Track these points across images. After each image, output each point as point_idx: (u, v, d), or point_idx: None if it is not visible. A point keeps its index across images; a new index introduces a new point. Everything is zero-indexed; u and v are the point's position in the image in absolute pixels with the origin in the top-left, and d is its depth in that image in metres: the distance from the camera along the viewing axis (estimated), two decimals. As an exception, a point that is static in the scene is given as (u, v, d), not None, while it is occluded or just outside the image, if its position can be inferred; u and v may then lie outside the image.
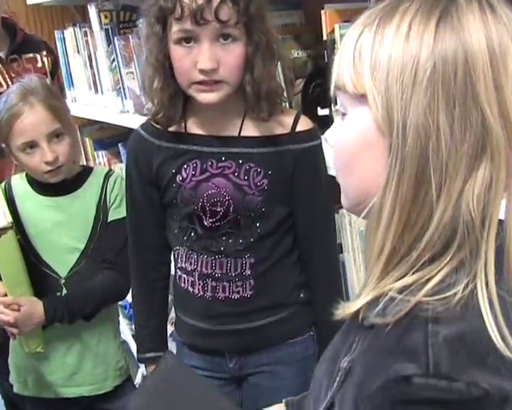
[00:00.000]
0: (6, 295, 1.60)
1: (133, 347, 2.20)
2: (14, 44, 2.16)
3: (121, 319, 2.18)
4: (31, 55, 2.22)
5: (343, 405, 0.72)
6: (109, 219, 1.72)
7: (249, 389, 1.48)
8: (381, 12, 0.70)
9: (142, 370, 2.31)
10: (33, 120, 1.60)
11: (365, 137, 0.70)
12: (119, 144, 2.53)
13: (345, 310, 0.73)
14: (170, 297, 1.57)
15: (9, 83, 2.09)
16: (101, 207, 1.72)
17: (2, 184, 1.75)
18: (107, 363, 1.77)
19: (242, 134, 1.36)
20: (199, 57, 1.26)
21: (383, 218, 0.68)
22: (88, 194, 1.72)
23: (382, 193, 0.68)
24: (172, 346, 1.77)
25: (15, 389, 1.78)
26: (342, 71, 0.72)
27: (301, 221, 1.40)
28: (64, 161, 1.64)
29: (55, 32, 2.54)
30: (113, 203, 1.72)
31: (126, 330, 2.65)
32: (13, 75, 2.12)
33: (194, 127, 1.39)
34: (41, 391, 1.74)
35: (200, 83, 1.28)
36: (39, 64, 2.21)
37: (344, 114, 0.74)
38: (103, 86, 2.33)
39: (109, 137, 2.68)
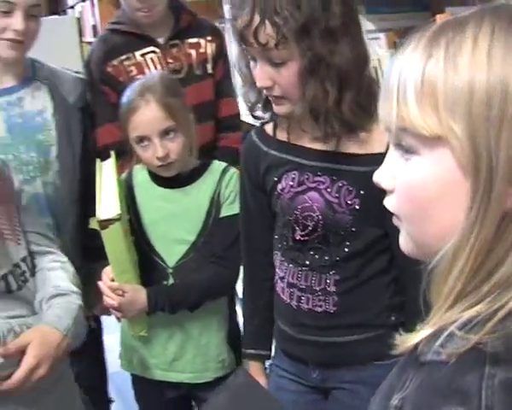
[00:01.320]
0: (113, 281, 1.70)
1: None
2: (176, 29, 2.11)
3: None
4: (195, 39, 2.12)
5: None
6: (221, 214, 1.76)
7: (332, 403, 1.47)
8: (441, 36, 0.63)
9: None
10: (147, 116, 1.67)
11: (446, 181, 0.64)
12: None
13: (404, 343, 0.69)
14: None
15: (164, 69, 2.06)
16: (215, 202, 1.76)
17: (125, 173, 1.85)
18: (208, 355, 1.81)
19: (340, 149, 1.34)
20: (256, 75, 1.29)
21: (458, 262, 0.63)
22: (203, 188, 1.77)
23: (460, 237, 0.63)
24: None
25: (121, 366, 1.89)
26: (407, 109, 0.65)
27: (396, 244, 1.36)
28: (175, 158, 1.70)
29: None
30: (226, 199, 1.76)
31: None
32: (169, 61, 2.08)
33: (296, 138, 1.40)
34: (144, 371, 1.83)
35: (268, 95, 1.31)
36: (202, 49, 2.12)
37: (408, 152, 0.67)
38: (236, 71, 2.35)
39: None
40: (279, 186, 1.41)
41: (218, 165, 1.83)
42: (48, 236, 1.59)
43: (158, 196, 1.78)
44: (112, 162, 1.79)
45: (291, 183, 1.39)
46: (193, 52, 2.11)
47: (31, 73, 1.95)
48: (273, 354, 1.61)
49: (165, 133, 1.69)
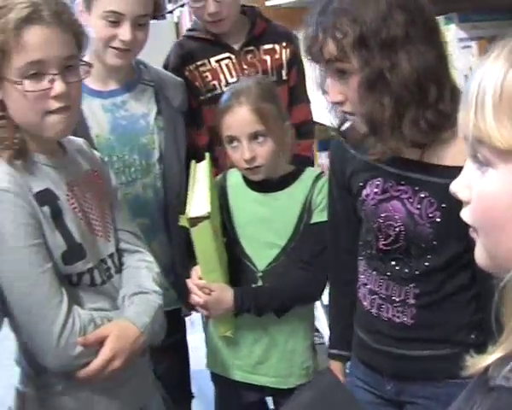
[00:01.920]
0: (201, 279, 1.72)
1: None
2: (251, 35, 2.13)
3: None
4: (270, 45, 2.15)
5: None
6: (312, 220, 1.75)
7: None
8: None
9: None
10: (238, 118, 1.70)
11: None
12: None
13: (474, 365, 0.68)
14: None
15: (239, 74, 2.09)
16: (307, 208, 1.76)
17: (220, 175, 1.87)
18: (293, 360, 1.80)
19: (424, 159, 1.32)
20: (328, 91, 1.32)
21: None
22: (295, 193, 1.77)
23: None
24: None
25: (206, 365, 1.91)
26: (484, 120, 0.64)
27: None
28: (262, 162, 1.72)
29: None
30: (318, 206, 1.75)
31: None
32: (245, 67, 2.10)
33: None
34: (227, 372, 1.84)
35: (343, 112, 1.33)
36: (277, 55, 2.14)
37: (483, 164, 0.67)
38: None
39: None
40: (364, 192, 1.41)
41: (311, 171, 1.83)
42: (138, 235, 1.63)
43: (251, 200, 1.80)
44: (206, 163, 1.82)
45: (375, 189, 1.38)
46: (268, 58, 2.13)
47: (136, 76, 1.97)
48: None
49: (254, 137, 1.71)
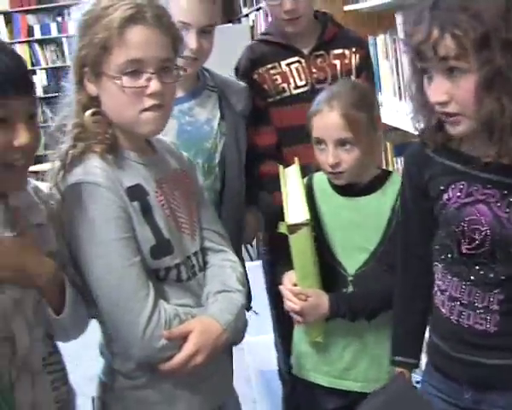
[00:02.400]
0: (296, 285, 1.72)
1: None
2: (321, 40, 2.16)
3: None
4: (340, 50, 2.16)
5: None
6: None
7: None
8: None
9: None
10: (327, 122, 1.70)
11: None
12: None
13: None
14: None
15: (308, 78, 2.12)
16: (396, 212, 1.73)
17: (305, 179, 1.86)
18: (381, 365, 1.78)
19: None
20: (431, 90, 1.29)
21: None
22: (384, 198, 1.76)
23: None
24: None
25: (293, 370, 1.91)
26: None
27: None
28: (346, 169, 1.71)
29: (369, 37, 2.62)
30: None
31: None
32: (313, 70, 2.13)
33: (465, 145, 1.38)
34: (316, 377, 1.84)
35: (442, 114, 1.30)
36: (346, 60, 2.16)
37: None
38: (407, 94, 2.35)
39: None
40: (445, 196, 1.40)
41: (398, 176, 1.80)
42: (223, 235, 1.64)
43: (338, 205, 1.79)
44: (296, 168, 1.82)
45: (458, 193, 1.37)
46: (338, 62, 2.15)
47: (201, 83, 2.02)
48: (423, 369, 1.59)
49: (340, 143, 1.70)
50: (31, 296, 1.28)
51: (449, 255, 1.42)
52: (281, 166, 1.85)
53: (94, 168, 1.38)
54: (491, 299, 1.37)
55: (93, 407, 1.53)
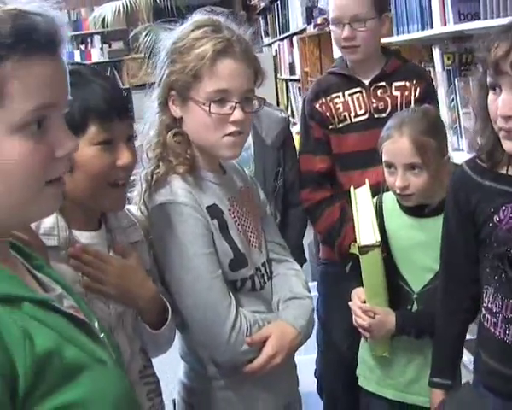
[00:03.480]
0: (364, 302, 1.82)
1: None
2: (382, 72, 2.22)
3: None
4: (402, 83, 2.22)
5: None
6: None
7: None
8: None
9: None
10: (397, 147, 1.79)
11: None
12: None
13: None
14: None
15: (368, 108, 2.19)
16: None
17: (375, 198, 1.95)
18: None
19: None
20: (498, 104, 1.33)
21: None
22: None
23: None
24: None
25: (360, 383, 1.99)
26: None
27: None
28: (414, 192, 1.79)
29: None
30: None
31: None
32: (373, 100, 2.20)
33: None
34: (381, 390, 1.91)
35: (503, 129, 1.34)
36: (407, 92, 2.22)
37: None
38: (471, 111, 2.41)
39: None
40: (496, 217, 1.44)
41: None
42: (284, 246, 1.77)
43: (406, 225, 1.86)
44: (366, 189, 1.91)
45: (510, 214, 1.42)
46: (398, 94, 2.21)
47: None
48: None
49: (410, 167, 1.78)
50: (130, 310, 1.40)
51: (502, 276, 1.46)
52: (352, 187, 1.94)
53: (179, 190, 1.51)
54: None
55: (174, 408, 1.67)
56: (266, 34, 6.80)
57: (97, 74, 1.34)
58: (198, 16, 1.57)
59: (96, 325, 0.99)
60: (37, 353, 0.78)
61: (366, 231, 1.75)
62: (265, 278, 1.65)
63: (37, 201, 0.88)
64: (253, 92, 1.58)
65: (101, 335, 0.98)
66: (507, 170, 1.46)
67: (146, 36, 7.11)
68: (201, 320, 1.50)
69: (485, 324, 1.53)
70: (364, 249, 1.72)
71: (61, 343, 0.82)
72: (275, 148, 2.24)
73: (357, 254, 1.74)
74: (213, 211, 1.55)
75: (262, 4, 6.88)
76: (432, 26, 2.50)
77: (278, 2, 6.38)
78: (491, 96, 1.38)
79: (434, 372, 1.69)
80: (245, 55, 1.53)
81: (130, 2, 7.50)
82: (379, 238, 1.72)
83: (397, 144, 1.79)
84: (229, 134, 1.52)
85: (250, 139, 2.15)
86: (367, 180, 1.96)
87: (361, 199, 1.89)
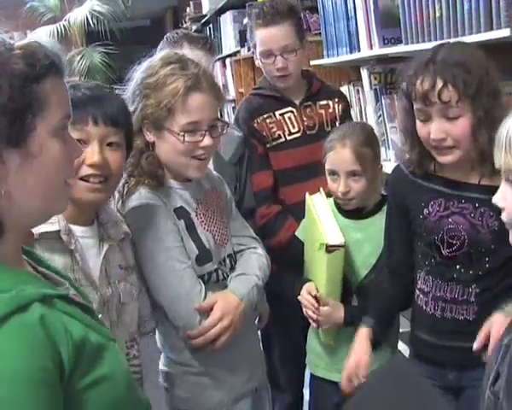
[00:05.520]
0: (315, 297, 2.02)
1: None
2: (309, 93, 2.45)
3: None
4: (325, 101, 2.45)
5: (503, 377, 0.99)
6: None
7: (464, 401, 1.71)
8: None
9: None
10: (340, 157, 2.02)
11: None
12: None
13: None
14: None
15: (300, 126, 2.40)
16: None
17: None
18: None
19: (482, 183, 1.63)
20: (430, 130, 1.58)
21: None
22: (383, 219, 2.00)
23: None
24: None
25: (309, 369, 2.20)
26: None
27: None
28: (355, 196, 2.02)
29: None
30: None
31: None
32: (304, 119, 2.40)
33: (442, 171, 1.71)
34: (329, 374, 2.12)
35: (435, 147, 1.61)
36: (331, 110, 2.45)
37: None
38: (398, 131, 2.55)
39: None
40: (425, 211, 1.71)
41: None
42: (253, 237, 1.98)
43: (345, 226, 2.05)
44: (322, 196, 2.10)
45: (437, 208, 1.69)
46: (323, 112, 2.46)
47: None
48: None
49: (351, 174, 2.01)
50: (115, 297, 1.59)
51: (432, 260, 1.72)
52: (307, 194, 2.12)
53: (148, 193, 1.73)
54: (470, 292, 1.67)
55: None
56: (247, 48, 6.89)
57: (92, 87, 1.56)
58: (164, 52, 1.79)
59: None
60: (75, 342, 0.95)
61: (331, 232, 1.93)
62: (229, 269, 1.85)
63: (61, 196, 1.06)
64: (218, 119, 1.78)
65: (100, 316, 1.17)
66: (434, 170, 1.73)
67: (80, 59, 7.21)
68: (176, 304, 1.72)
69: (419, 302, 1.78)
70: (331, 249, 1.90)
71: (86, 330, 1.00)
72: (232, 164, 2.41)
73: (323, 252, 1.90)
74: (180, 213, 1.77)
75: (194, 27, 7.02)
76: (359, 50, 2.72)
77: (210, 25, 6.55)
78: (418, 123, 1.63)
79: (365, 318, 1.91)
80: (211, 87, 1.74)
81: (65, 27, 7.59)
82: (343, 239, 1.92)
83: (340, 154, 2.01)
84: (197, 157, 1.73)
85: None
86: (321, 188, 2.13)
87: (318, 204, 2.07)
